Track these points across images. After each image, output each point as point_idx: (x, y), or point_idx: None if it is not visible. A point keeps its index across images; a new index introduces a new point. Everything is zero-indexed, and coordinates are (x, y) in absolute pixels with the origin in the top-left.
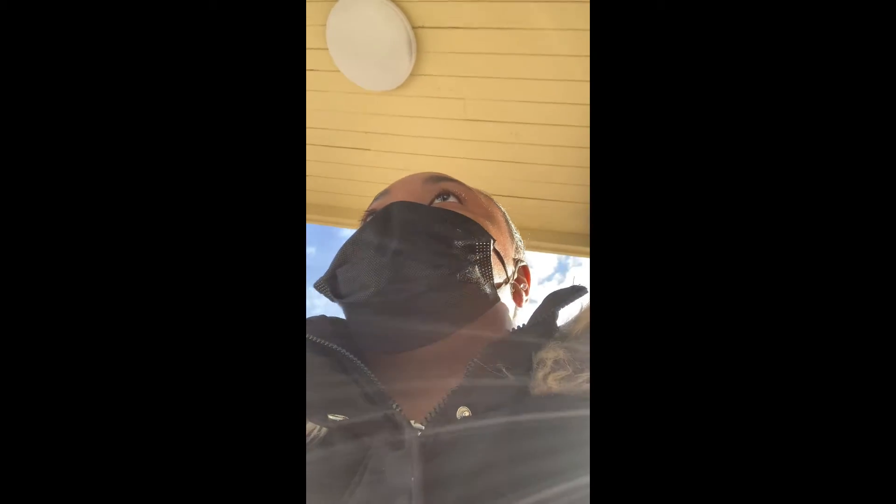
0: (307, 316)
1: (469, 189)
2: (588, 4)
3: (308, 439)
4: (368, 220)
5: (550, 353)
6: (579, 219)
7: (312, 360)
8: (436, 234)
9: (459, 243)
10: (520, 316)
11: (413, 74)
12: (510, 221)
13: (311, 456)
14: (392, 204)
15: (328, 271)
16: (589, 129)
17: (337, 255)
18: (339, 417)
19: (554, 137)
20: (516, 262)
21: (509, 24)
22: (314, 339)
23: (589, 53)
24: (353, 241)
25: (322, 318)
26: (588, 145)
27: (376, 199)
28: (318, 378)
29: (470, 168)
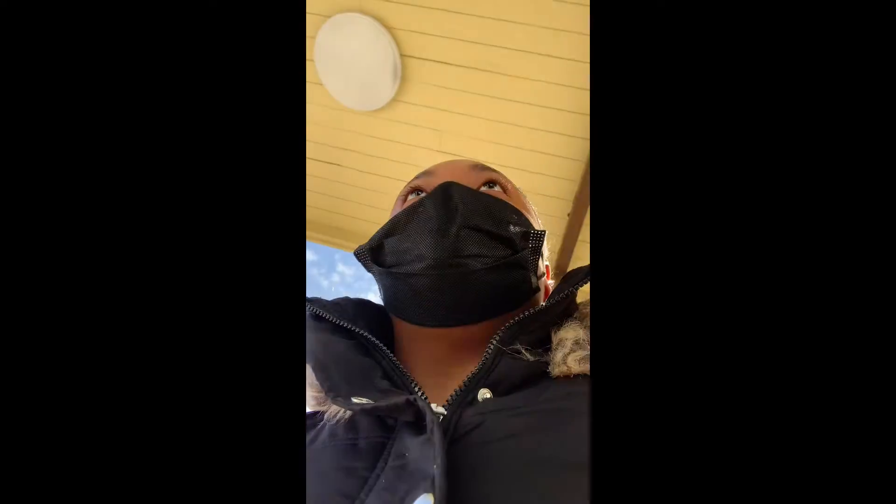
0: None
1: (510, 182)
2: (575, 63)
3: (334, 420)
4: (426, 195)
5: (570, 333)
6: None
7: (337, 343)
8: (495, 217)
9: (516, 229)
10: None
11: (394, 100)
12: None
13: (337, 438)
14: (450, 182)
15: (373, 240)
16: (555, 179)
17: (385, 225)
18: (363, 401)
19: (520, 181)
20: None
21: (495, 68)
22: (338, 321)
23: (567, 108)
24: (407, 212)
25: (346, 300)
26: (563, 196)
27: (418, 177)
28: (342, 361)
29: None
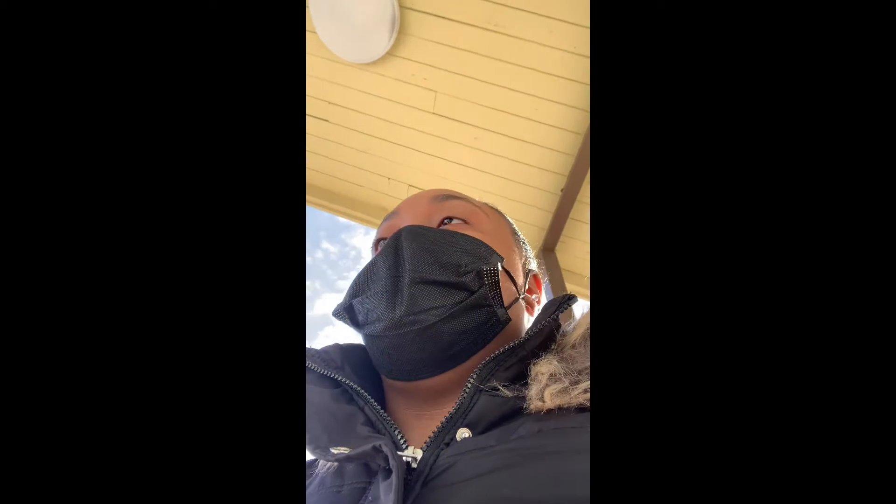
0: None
1: (474, 207)
2: (582, 29)
3: (324, 471)
4: (379, 248)
5: (545, 367)
6: (532, 241)
7: (321, 393)
8: (445, 263)
9: (469, 269)
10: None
11: (389, 54)
12: (517, 231)
13: (325, 486)
14: (400, 231)
15: (345, 299)
16: (551, 152)
17: (352, 283)
18: (341, 450)
19: (514, 151)
20: (527, 273)
21: (498, 27)
22: (324, 371)
23: (568, 76)
24: (366, 272)
25: (335, 347)
26: (548, 168)
27: (385, 220)
28: (324, 411)
29: (424, 162)
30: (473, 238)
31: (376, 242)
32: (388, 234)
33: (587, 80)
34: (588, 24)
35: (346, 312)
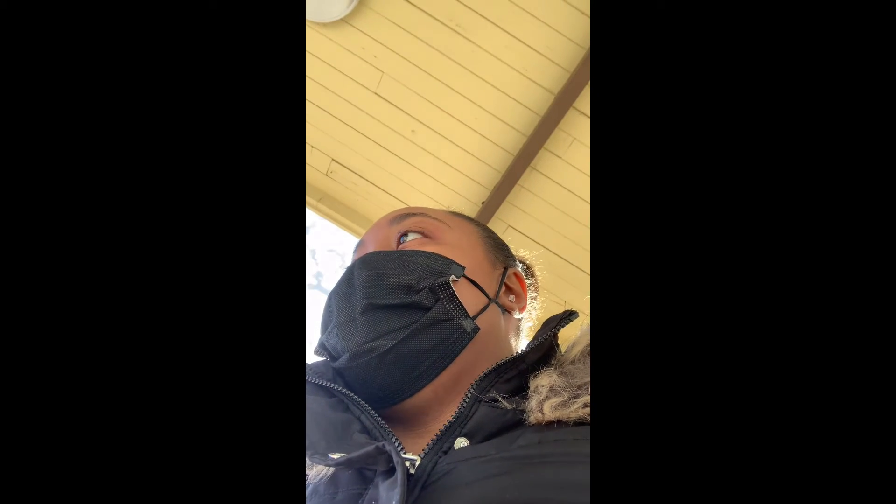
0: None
1: (433, 220)
2: (537, 55)
3: (317, 479)
4: (332, 289)
5: (545, 380)
6: None
7: (317, 402)
8: (395, 285)
9: (421, 287)
10: (524, 322)
11: (344, 20)
12: (491, 234)
13: (318, 495)
14: (354, 263)
15: (320, 336)
16: (481, 163)
17: (321, 320)
18: (338, 455)
19: (446, 153)
20: (504, 272)
21: (459, 28)
22: (317, 381)
23: (514, 95)
24: (326, 307)
25: (324, 363)
26: (475, 178)
27: (354, 252)
28: (321, 419)
29: (354, 140)
30: (429, 253)
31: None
32: None
33: (530, 103)
34: (545, 52)
35: (322, 349)
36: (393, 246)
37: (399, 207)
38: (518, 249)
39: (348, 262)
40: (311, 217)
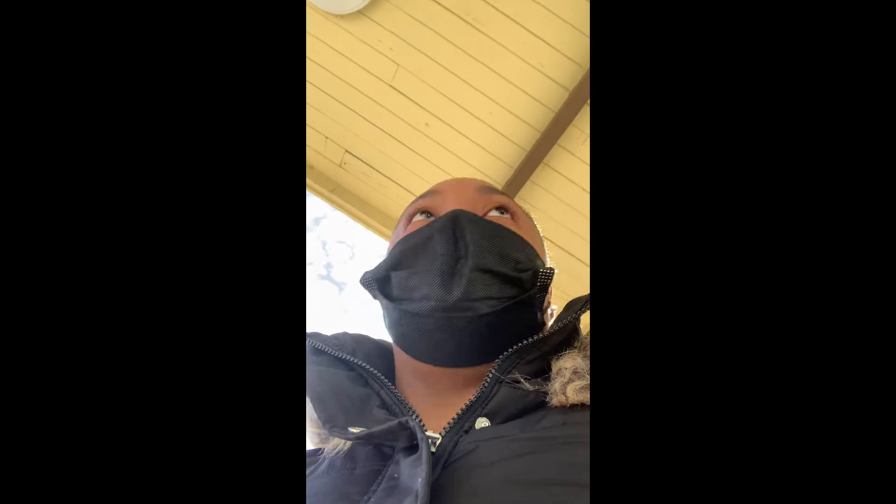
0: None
1: (516, 207)
2: (554, 51)
3: (334, 453)
4: (433, 225)
5: (569, 362)
6: None
7: (336, 374)
8: (505, 255)
9: (527, 267)
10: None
11: (361, 12)
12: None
13: (334, 469)
14: (459, 213)
15: (379, 269)
16: (494, 158)
17: (393, 255)
18: (358, 430)
19: (460, 147)
20: None
21: (475, 22)
22: (337, 353)
23: (529, 91)
24: (415, 247)
25: (345, 335)
26: (489, 173)
27: (424, 196)
28: (340, 392)
29: (367, 131)
30: (523, 239)
31: (410, 215)
32: (432, 210)
33: (545, 99)
34: (562, 49)
35: (376, 283)
36: (480, 214)
37: (414, 196)
38: None
39: (357, 253)
40: (323, 208)
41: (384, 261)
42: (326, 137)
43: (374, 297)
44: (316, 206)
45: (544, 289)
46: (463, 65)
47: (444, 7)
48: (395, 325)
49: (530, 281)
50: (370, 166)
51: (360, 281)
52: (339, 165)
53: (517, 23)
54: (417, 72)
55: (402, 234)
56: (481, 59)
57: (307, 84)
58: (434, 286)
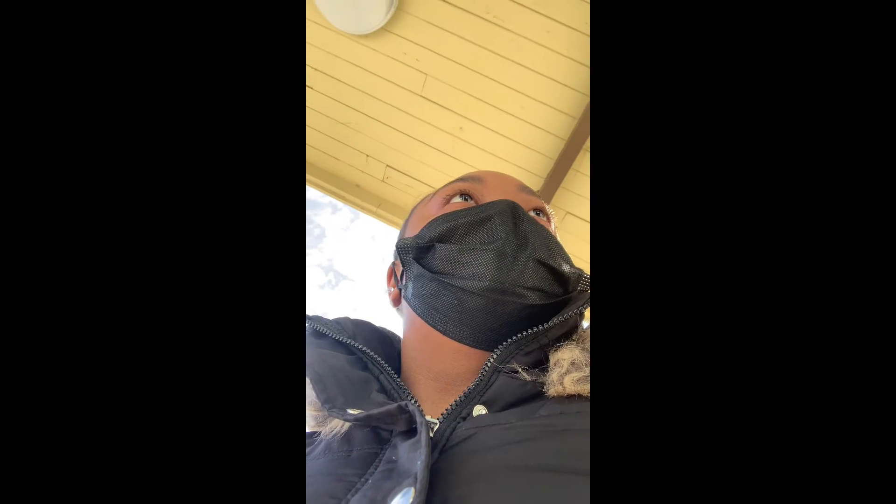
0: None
1: (550, 211)
2: (581, 35)
3: (331, 435)
4: (489, 207)
5: (567, 354)
6: None
7: (336, 357)
8: (555, 253)
9: (575, 271)
10: None
11: (384, 29)
12: None
13: (331, 451)
14: (516, 205)
15: (421, 238)
16: (532, 152)
17: (440, 226)
18: (357, 412)
19: (496, 146)
20: None
21: (496, 19)
22: (338, 337)
23: (560, 79)
24: (469, 224)
25: (346, 319)
26: (528, 168)
27: (465, 180)
28: (340, 373)
29: (405, 144)
30: (561, 245)
31: (448, 196)
32: (473, 195)
33: (576, 85)
34: (587, 31)
35: (414, 251)
36: None
37: None
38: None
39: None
40: (376, 225)
41: (427, 229)
42: (367, 156)
43: (406, 264)
44: (369, 225)
45: (583, 292)
46: (489, 63)
47: (463, 9)
48: (429, 297)
49: (573, 284)
50: (411, 177)
51: (398, 245)
52: (383, 181)
53: (538, 12)
54: (445, 78)
55: (437, 211)
56: (506, 55)
57: (342, 106)
58: (489, 266)
